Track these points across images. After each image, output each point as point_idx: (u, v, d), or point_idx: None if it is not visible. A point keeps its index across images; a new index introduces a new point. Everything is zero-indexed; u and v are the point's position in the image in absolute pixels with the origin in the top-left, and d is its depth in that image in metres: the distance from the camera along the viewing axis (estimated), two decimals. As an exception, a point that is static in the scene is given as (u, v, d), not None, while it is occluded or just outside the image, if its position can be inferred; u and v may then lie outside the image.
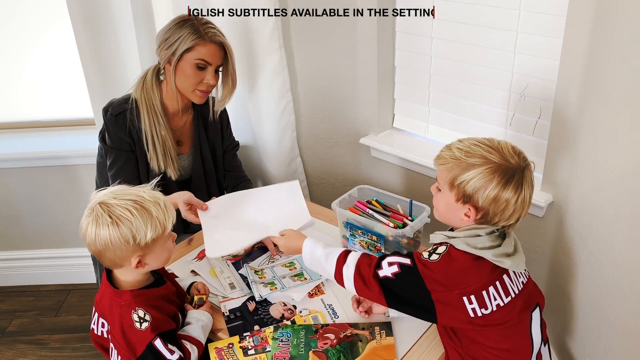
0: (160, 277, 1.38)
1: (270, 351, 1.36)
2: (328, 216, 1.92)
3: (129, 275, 1.29)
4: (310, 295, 1.56)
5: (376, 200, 1.76)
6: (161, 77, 1.80)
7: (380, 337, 1.39)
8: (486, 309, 1.22)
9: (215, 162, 1.97)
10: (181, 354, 1.27)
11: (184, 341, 1.32)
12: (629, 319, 1.30)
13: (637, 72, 1.23)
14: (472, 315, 1.22)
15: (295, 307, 1.52)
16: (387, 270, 1.26)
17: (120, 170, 1.78)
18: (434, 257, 1.24)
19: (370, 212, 1.71)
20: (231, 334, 1.43)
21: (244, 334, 1.42)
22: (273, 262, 1.71)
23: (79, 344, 2.33)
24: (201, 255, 1.74)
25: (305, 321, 1.46)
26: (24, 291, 2.65)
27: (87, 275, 2.51)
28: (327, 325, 1.44)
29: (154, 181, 1.35)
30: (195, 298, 1.46)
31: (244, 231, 1.62)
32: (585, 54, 1.42)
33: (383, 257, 1.29)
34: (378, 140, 2.13)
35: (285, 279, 1.63)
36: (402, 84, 2.08)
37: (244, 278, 1.63)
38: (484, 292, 1.22)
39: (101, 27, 2.04)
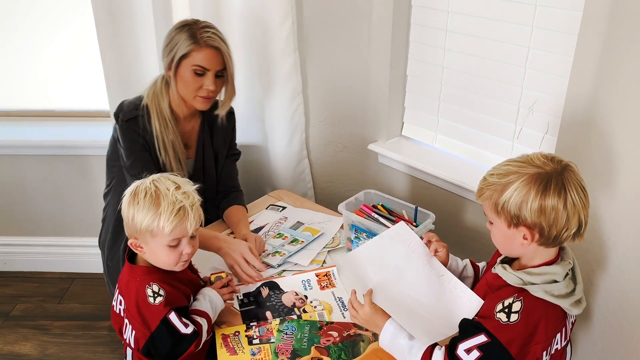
0: None
1: (274, 342, 1.40)
2: (334, 218, 1.95)
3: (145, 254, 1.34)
4: (322, 287, 1.60)
5: (382, 205, 1.79)
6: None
7: (382, 337, 1.42)
8: (548, 355, 1.19)
9: (217, 168, 1.95)
10: (195, 328, 1.31)
11: (193, 315, 1.36)
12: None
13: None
14: None
15: (306, 297, 1.57)
16: (467, 359, 1.15)
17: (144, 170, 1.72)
18: (514, 317, 1.14)
19: (376, 216, 1.74)
20: (243, 318, 1.49)
21: (251, 324, 1.46)
22: (265, 239, 1.80)
23: (80, 332, 2.36)
24: None
25: (312, 314, 1.50)
26: (28, 277, 2.67)
27: (92, 264, 2.55)
28: (332, 323, 1.47)
29: (197, 185, 1.36)
30: (212, 277, 1.49)
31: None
32: (595, 72, 1.45)
33: (453, 345, 1.19)
34: (386, 147, 2.17)
35: (284, 246, 1.76)
36: (413, 93, 2.11)
37: None
38: (553, 340, 1.18)
39: (123, 24, 2.08)
